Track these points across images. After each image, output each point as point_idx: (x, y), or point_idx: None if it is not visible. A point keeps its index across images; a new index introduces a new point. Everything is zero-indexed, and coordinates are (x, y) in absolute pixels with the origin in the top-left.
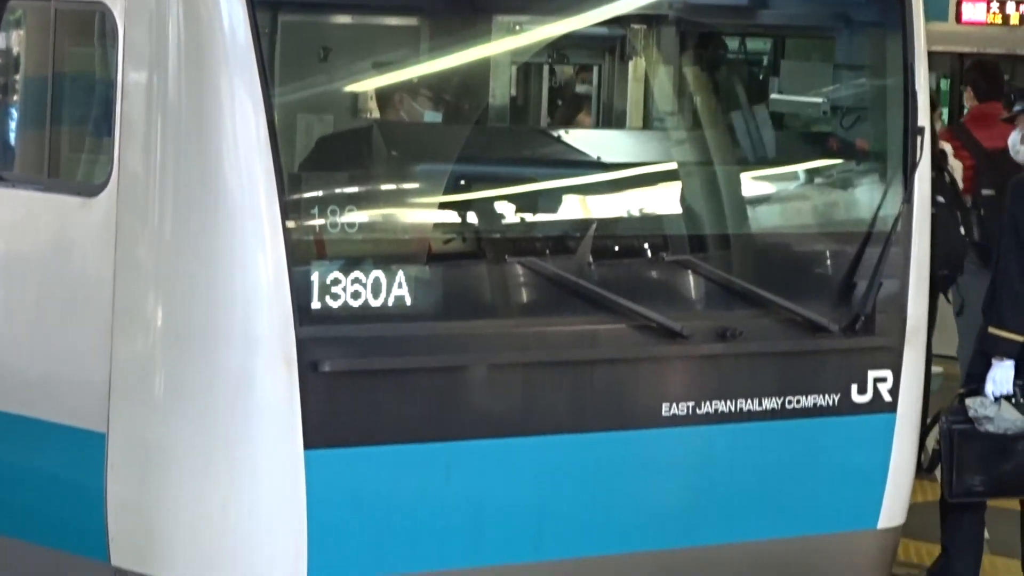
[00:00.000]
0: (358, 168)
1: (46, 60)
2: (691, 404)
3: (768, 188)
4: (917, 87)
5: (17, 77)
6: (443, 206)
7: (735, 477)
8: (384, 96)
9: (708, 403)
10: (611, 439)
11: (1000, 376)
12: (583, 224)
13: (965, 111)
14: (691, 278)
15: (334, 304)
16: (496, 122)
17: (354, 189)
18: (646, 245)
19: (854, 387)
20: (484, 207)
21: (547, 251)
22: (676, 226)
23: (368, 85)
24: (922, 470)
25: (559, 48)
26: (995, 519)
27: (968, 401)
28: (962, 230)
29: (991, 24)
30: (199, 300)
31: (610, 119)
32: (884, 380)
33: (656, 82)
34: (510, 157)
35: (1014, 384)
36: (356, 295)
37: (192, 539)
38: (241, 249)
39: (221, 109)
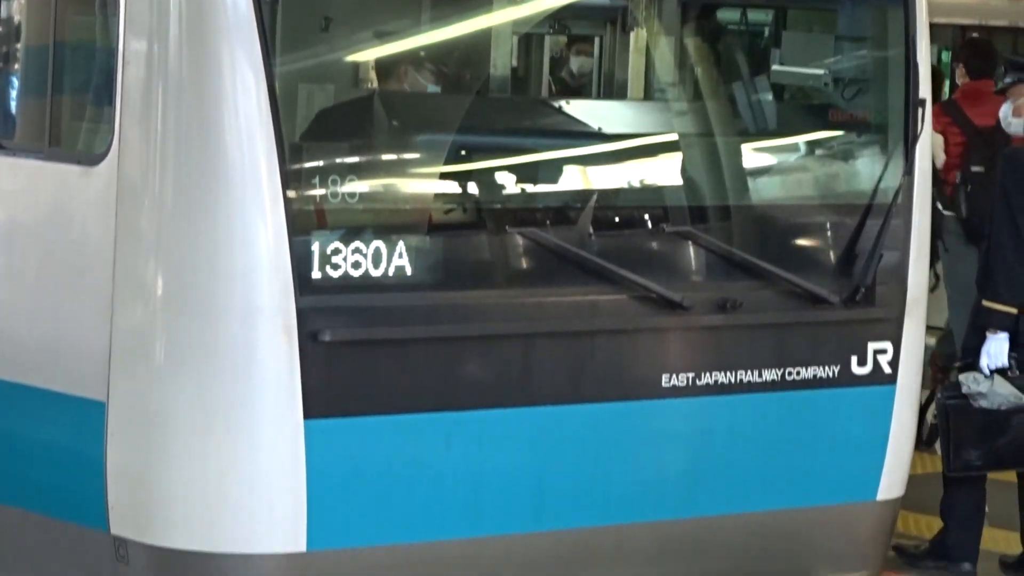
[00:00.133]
0: (359, 138)
1: (47, 28)
2: (691, 375)
3: (769, 160)
4: (919, 59)
5: (18, 46)
6: (444, 176)
7: (735, 448)
8: (385, 67)
9: (708, 374)
10: (611, 410)
11: (994, 349)
12: (584, 195)
13: (958, 88)
14: (691, 249)
15: (334, 274)
16: (497, 93)
17: (355, 159)
18: (646, 216)
19: (854, 359)
20: (485, 177)
21: (548, 222)
22: (677, 197)
23: (370, 55)
24: (922, 443)
25: (560, 19)
26: (995, 492)
27: (961, 377)
28: (939, 205)
29: None
30: (199, 269)
31: (611, 90)
32: (884, 352)
33: (657, 53)
34: (511, 128)
35: (1009, 357)
36: (357, 265)
37: (192, 508)
38: (241, 219)
39: (222, 78)
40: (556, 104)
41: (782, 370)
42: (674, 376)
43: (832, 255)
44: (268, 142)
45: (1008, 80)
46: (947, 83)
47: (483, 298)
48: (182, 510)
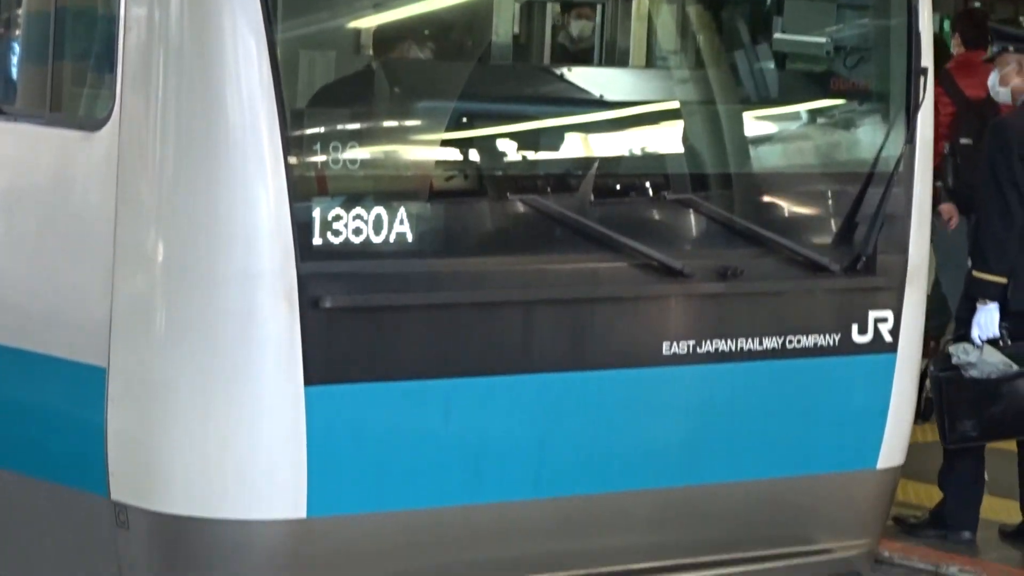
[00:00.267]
0: (360, 105)
1: None
2: (691, 343)
3: (770, 128)
4: (921, 27)
5: (19, 11)
6: (445, 143)
7: (735, 416)
8: (386, 35)
9: (708, 342)
10: (611, 377)
11: (985, 320)
12: (585, 162)
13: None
14: (692, 217)
15: (335, 240)
16: (499, 60)
17: (356, 126)
18: (647, 184)
19: (855, 327)
20: (486, 144)
21: (549, 189)
22: (678, 165)
23: (371, 22)
24: (919, 417)
25: None
26: (995, 460)
27: (951, 348)
28: None
29: None
30: (200, 235)
31: (613, 57)
32: (885, 320)
33: (659, 20)
34: (512, 95)
35: (1000, 327)
36: (357, 231)
37: (192, 474)
38: (242, 185)
39: (223, 44)
40: (558, 71)
41: (782, 338)
42: (674, 344)
43: (833, 223)
44: (269, 108)
45: (995, 49)
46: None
47: (484, 265)
48: (182, 476)
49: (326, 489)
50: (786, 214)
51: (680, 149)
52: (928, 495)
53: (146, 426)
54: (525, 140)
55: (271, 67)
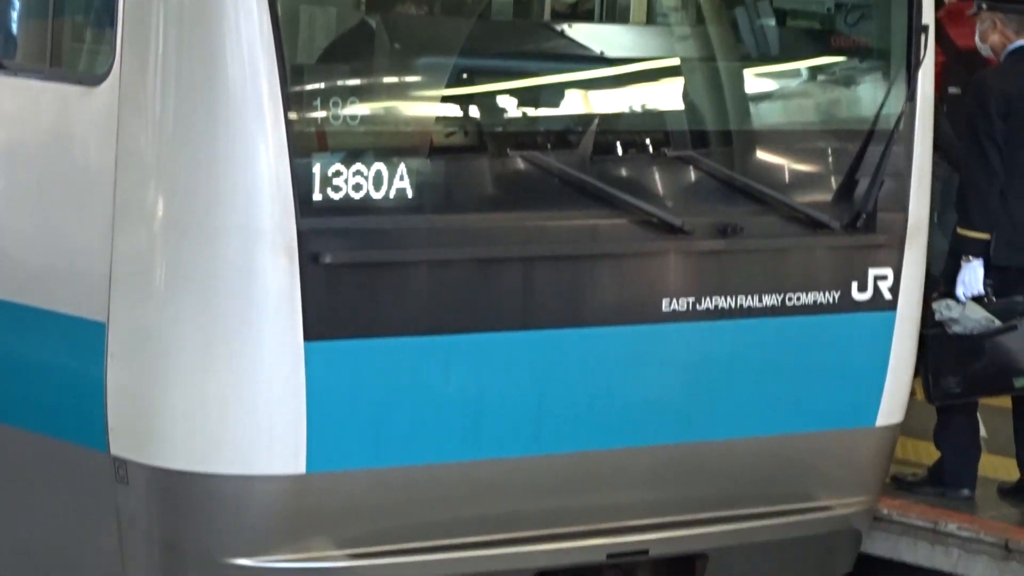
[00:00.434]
0: (361, 60)
1: None
2: (691, 300)
3: (771, 85)
4: None
5: None
6: (445, 99)
7: (734, 373)
8: None
9: (708, 299)
10: (611, 334)
11: (969, 277)
12: (585, 119)
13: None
14: (693, 174)
15: (335, 196)
16: (499, 16)
17: (357, 81)
18: (648, 140)
19: (854, 284)
20: (486, 101)
21: (549, 145)
22: (678, 122)
23: None
24: None
25: None
26: (993, 418)
27: (934, 305)
28: None
29: None
30: (200, 191)
31: (613, 14)
32: (885, 278)
33: None
34: (513, 51)
35: (984, 284)
36: (357, 187)
37: (191, 429)
38: (243, 140)
39: None
40: (558, 28)
41: (782, 295)
42: (674, 300)
43: (833, 181)
44: (270, 64)
45: (975, 7)
46: None
47: (483, 221)
48: (182, 431)
49: (325, 444)
50: (786, 171)
51: (680, 106)
52: (927, 452)
53: (146, 381)
54: (525, 96)
55: (271, 22)
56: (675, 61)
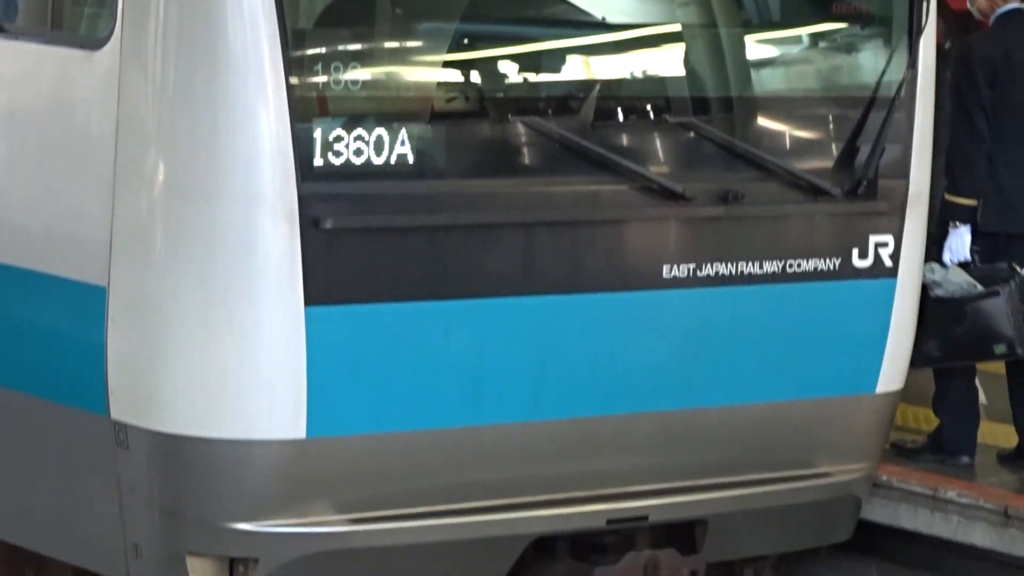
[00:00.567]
0: (362, 25)
1: None
2: (692, 266)
3: (772, 51)
4: None
5: None
6: (446, 65)
7: (735, 339)
8: None
9: (709, 265)
10: (611, 300)
11: (955, 244)
12: (586, 84)
13: None
14: (694, 140)
15: (336, 161)
16: None
17: (358, 46)
18: (649, 107)
19: (855, 251)
20: (487, 66)
21: (550, 111)
22: (680, 88)
23: None
24: None
25: None
26: (992, 385)
27: None
28: None
29: None
30: (201, 155)
31: None
32: (885, 245)
33: None
34: (514, 16)
35: (971, 250)
36: (358, 152)
37: (191, 394)
38: (244, 105)
39: None
40: None
41: (783, 262)
42: (675, 267)
43: (835, 148)
44: (271, 28)
45: None
46: None
47: (484, 187)
48: (182, 395)
49: (325, 409)
50: (787, 138)
51: (682, 72)
52: (927, 419)
53: (146, 345)
54: (526, 62)
55: None
56: (676, 27)
